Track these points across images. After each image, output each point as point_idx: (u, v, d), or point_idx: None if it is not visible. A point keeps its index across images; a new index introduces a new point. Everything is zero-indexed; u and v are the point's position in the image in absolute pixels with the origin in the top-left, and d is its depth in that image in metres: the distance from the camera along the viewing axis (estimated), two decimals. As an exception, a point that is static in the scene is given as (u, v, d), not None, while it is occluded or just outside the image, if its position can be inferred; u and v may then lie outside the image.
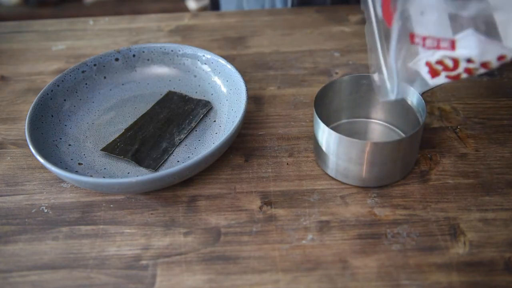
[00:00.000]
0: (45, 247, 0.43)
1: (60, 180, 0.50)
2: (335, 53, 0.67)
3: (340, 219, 0.44)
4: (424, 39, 0.37)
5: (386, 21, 0.39)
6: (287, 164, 0.50)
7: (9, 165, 0.52)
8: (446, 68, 0.37)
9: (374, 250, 0.41)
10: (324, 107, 0.49)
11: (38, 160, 0.45)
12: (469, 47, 0.35)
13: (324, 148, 0.46)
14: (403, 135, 0.51)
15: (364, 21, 0.76)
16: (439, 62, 0.37)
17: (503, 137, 0.51)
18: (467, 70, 0.37)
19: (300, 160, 0.50)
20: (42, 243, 0.43)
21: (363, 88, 0.50)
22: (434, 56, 0.37)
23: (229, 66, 0.56)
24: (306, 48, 0.68)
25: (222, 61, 0.57)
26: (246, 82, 0.56)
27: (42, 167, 0.51)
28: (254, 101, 0.59)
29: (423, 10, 0.36)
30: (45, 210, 0.46)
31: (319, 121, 0.44)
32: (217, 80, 0.58)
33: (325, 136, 0.45)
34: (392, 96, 0.42)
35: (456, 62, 0.36)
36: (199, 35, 0.73)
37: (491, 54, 0.34)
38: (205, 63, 0.59)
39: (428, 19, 0.37)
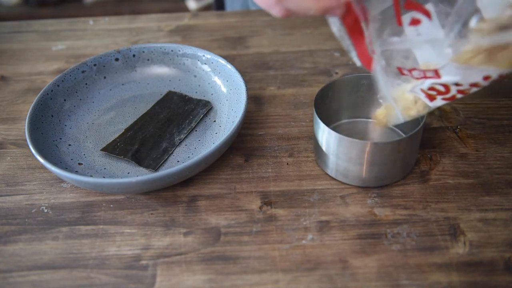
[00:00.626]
0: (45, 247, 0.43)
1: (60, 180, 0.50)
2: (335, 53, 0.67)
3: (340, 219, 0.44)
4: (410, 71, 0.38)
5: (365, 66, 0.41)
6: (287, 164, 0.50)
7: (9, 165, 0.52)
8: (439, 93, 0.39)
9: (374, 250, 0.41)
10: (324, 107, 0.49)
11: (38, 160, 0.45)
12: (452, 74, 0.36)
13: (324, 148, 0.46)
14: (403, 135, 0.51)
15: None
16: (431, 88, 0.39)
17: (503, 137, 0.51)
18: (459, 91, 0.38)
19: (300, 160, 0.50)
20: (42, 243, 0.43)
21: (363, 88, 0.50)
22: (424, 84, 0.39)
23: (229, 66, 0.56)
24: (306, 48, 0.68)
25: (222, 61, 0.57)
26: (246, 82, 0.56)
27: (42, 167, 0.51)
28: (254, 101, 0.59)
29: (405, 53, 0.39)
30: (45, 210, 0.46)
31: (319, 121, 0.44)
32: (217, 80, 0.58)
33: (325, 136, 0.45)
34: (402, 120, 0.43)
35: (446, 87, 0.38)
36: (199, 35, 0.73)
37: (475, 77, 0.35)
38: (205, 63, 0.59)
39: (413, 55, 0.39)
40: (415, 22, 0.38)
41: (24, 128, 0.56)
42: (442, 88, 0.38)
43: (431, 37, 0.37)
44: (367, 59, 0.40)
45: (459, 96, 0.38)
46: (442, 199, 0.45)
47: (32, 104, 0.51)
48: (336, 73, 0.63)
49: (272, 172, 0.49)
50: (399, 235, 0.42)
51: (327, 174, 0.48)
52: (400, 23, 0.38)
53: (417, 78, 0.38)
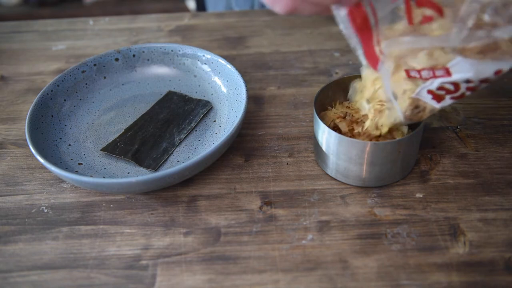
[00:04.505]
0: (45, 247, 0.43)
1: (60, 180, 0.50)
2: (335, 53, 0.67)
3: (340, 219, 0.44)
4: (419, 71, 0.38)
5: (371, 66, 0.40)
6: (287, 164, 0.50)
7: (9, 165, 0.52)
8: (448, 92, 0.38)
9: (374, 250, 0.41)
10: (324, 107, 0.49)
11: (38, 160, 0.45)
12: (464, 71, 0.35)
13: (324, 148, 0.46)
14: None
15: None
16: (440, 88, 0.38)
17: (503, 137, 0.51)
18: (469, 89, 0.37)
19: (300, 160, 0.50)
20: (42, 243, 0.43)
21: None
22: (434, 84, 0.38)
23: (229, 66, 0.56)
24: (306, 48, 0.68)
25: (222, 61, 0.57)
26: (246, 82, 0.56)
27: (42, 167, 0.51)
28: (254, 101, 0.59)
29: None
30: (45, 210, 0.46)
31: (319, 121, 0.44)
32: (217, 80, 0.58)
33: (325, 136, 0.45)
34: (403, 119, 0.43)
35: (456, 85, 0.37)
36: (199, 35, 0.73)
37: (487, 71, 0.35)
38: (205, 63, 0.59)
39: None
40: (427, 19, 0.37)
41: (24, 128, 0.56)
42: (451, 87, 0.37)
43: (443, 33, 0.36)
44: (373, 59, 0.40)
45: (468, 93, 0.38)
46: (442, 199, 0.45)
47: (32, 104, 0.51)
48: (336, 73, 0.63)
49: (272, 172, 0.49)
50: (399, 235, 0.42)
51: (327, 174, 0.48)
52: (411, 22, 0.38)
53: (426, 79, 0.38)
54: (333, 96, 0.50)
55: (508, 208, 0.44)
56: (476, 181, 0.47)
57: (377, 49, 0.39)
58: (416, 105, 0.41)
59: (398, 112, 0.42)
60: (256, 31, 0.73)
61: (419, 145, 0.47)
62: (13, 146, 0.54)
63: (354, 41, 0.39)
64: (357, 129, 0.46)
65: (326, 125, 0.44)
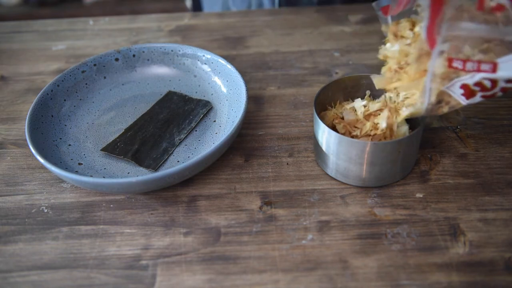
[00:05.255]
0: (45, 247, 0.43)
1: (60, 180, 0.50)
2: (335, 53, 0.67)
3: (340, 219, 0.44)
4: (464, 62, 0.36)
5: (428, 43, 0.38)
6: (287, 164, 0.50)
7: (9, 165, 0.52)
8: (483, 89, 0.37)
9: (374, 250, 0.41)
10: (324, 107, 0.49)
11: (38, 160, 0.45)
12: (511, 69, 0.34)
13: (324, 148, 0.46)
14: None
15: (364, 21, 0.75)
16: (478, 83, 0.37)
17: (503, 137, 0.51)
18: (503, 89, 0.36)
19: (300, 160, 0.50)
20: (42, 243, 0.43)
21: (363, 88, 0.50)
22: (474, 78, 0.36)
23: (229, 66, 0.56)
24: (306, 48, 0.68)
25: (222, 61, 0.57)
26: (246, 82, 0.56)
27: (42, 167, 0.51)
28: (254, 101, 0.59)
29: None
30: (45, 210, 0.46)
31: (319, 121, 0.44)
32: (217, 80, 0.58)
33: (325, 136, 0.45)
34: (424, 111, 0.42)
35: (494, 82, 0.36)
36: (199, 35, 0.73)
37: None
38: (205, 63, 0.59)
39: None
40: (499, 8, 0.35)
41: (24, 128, 0.56)
42: (489, 84, 0.36)
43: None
44: (432, 38, 0.37)
45: (500, 94, 0.37)
46: (442, 199, 0.45)
47: (32, 104, 0.51)
48: (336, 73, 0.63)
49: (272, 172, 0.49)
50: (399, 235, 0.42)
51: (327, 174, 0.48)
52: (481, 7, 0.36)
53: (469, 71, 0.36)
54: (333, 96, 0.50)
55: (508, 208, 0.44)
56: (476, 181, 0.47)
57: (437, 29, 0.36)
58: (439, 99, 0.40)
59: (425, 103, 0.40)
60: (256, 31, 0.73)
61: (419, 145, 0.47)
62: (13, 146, 0.54)
63: (425, 14, 0.36)
64: (355, 132, 0.46)
65: (326, 125, 0.44)
